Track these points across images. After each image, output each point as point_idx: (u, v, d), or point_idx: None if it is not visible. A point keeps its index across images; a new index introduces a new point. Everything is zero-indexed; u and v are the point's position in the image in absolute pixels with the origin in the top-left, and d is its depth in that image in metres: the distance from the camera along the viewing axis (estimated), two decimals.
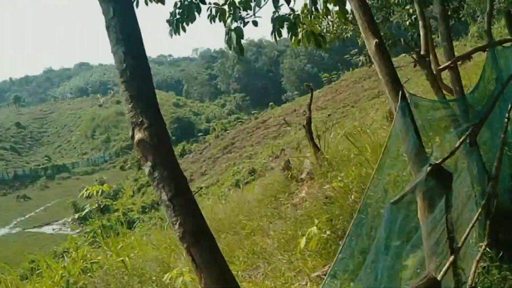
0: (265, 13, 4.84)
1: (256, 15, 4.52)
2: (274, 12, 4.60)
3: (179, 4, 5.14)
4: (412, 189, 2.49)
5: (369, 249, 2.38)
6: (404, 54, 38.66)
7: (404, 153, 3.19)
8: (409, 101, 3.01)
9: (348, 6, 5.08)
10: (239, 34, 4.35)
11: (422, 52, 4.58)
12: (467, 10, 24.29)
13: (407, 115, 2.93)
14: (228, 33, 4.43)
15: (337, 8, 5.14)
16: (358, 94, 43.92)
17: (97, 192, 9.41)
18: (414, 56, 4.44)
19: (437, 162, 2.74)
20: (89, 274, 6.47)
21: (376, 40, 2.94)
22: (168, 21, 5.25)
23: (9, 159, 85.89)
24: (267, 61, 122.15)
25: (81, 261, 6.86)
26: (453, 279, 2.94)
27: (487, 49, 5.38)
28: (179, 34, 5.27)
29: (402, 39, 7.59)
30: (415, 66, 4.86)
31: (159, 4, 5.03)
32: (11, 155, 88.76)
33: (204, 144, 61.13)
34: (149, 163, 2.06)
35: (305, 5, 5.67)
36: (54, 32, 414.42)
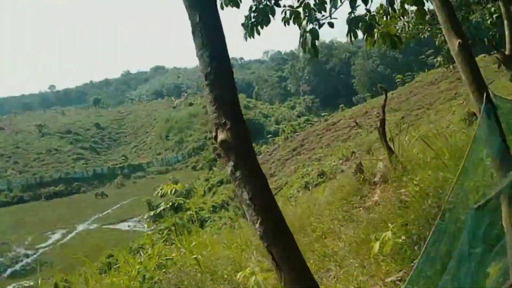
0: (339, 14, 4.80)
1: (331, 16, 4.49)
2: (349, 13, 4.55)
3: (254, 7, 5.22)
4: (497, 194, 2.38)
5: (449, 255, 2.30)
6: (483, 55, 36.79)
7: (487, 157, 3.04)
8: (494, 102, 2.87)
9: (427, 6, 4.95)
10: (314, 35, 4.33)
11: (507, 53, 4.34)
12: None
13: (492, 118, 2.80)
14: (303, 35, 4.42)
15: (414, 8, 4.99)
16: (433, 96, 42.25)
17: (171, 191, 9.67)
18: (499, 56, 4.22)
19: None
20: (163, 270, 6.61)
21: (460, 40, 2.83)
22: (243, 24, 5.33)
23: (89, 158, 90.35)
24: (338, 63, 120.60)
25: (157, 257, 7.03)
26: None
27: None
28: (253, 37, 5.33)
29: (486, 39, 7.21)
30: (499, 66, 4.63)
31: (234, 8, 5.13)
32: (90, 155, 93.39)
33: (273, 146, 61.33)
34: (231, 163, 2.11)
35: (381, 5, 5.56)
36: (132, 37, 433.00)
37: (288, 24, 5.03)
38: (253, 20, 5.23)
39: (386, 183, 7.96)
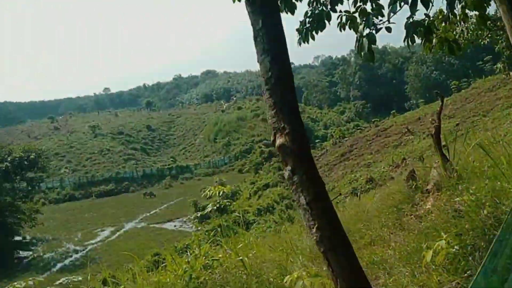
0: (395, 19, 4.72)
1: (390, 21, 4.42)
2: (408, 18, 4.47)
3: (309, 13, 5.22)
4: None
5: (510, 268, 2.21)
6: None
7: None
8: None
9: (488, 11, 4.78)
10: (371, 40, 4.29)
11: None
12: None
13: None
14: (359, 39, 4.39)
15: (475, 13, 4.84)
16: (490, 103, 40.60)
17: (219, 193, 9.75)
18: None
19: None
20: (209, 271, 6.64)
21: None
22: (297, 29, 5.34)
23: (139, 159, 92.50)
24: (391, 68, 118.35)
25: (203, 257, 7.08)
26: None
27: None
28: (307, 42, 5.33)
29: None
30: None
31: (288, 13, 5.14)
32: (140, 155, 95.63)
33: (321, 151, 60.79)
34: (288, 167, 2.11)
35: (441, 10, 5.43)
36: (184, 42, 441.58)
37: (344, 29, 5.00)
38: (308, 25, 5.23)
39: (439, 192, 7.72)
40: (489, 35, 10.58)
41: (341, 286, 1.96)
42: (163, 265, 7.91)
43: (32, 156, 50.23)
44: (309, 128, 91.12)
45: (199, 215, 36.68)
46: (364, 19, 4.62)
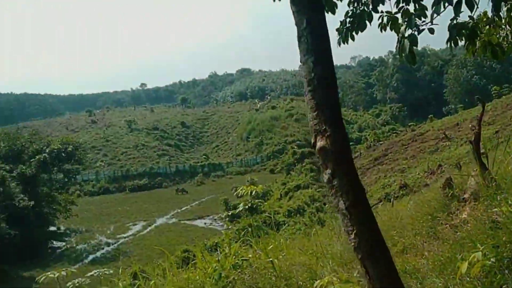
0: (437, 20, 4.60)
1: (433, 22, 4.31)
2: (452, 20, 4.35)
3: (350, 13, 5.15)
4: None
5: None
6: None
7: None
8: None
9: None
10: (413, 41, 4.18)
11: None
12: None
13: None
14: (400, 40, 4.29)
15: None
16: None
17: (251, 192, 9.70)
18: None
19: None
20: (239, 270, 6.63)
21: None
22: (337, 29, 5.27)
23: (173, 155, 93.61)
24: (430, 71, 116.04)
25: (233, 256, 7.07)
26: None
27: None
28: (347, 43, 5.26)
29: None
30: None
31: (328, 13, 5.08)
32: (174, 152, 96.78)
33: (355, 154, 60.14)
34: (328, 171, 2.06)
35: (485, 13, 5.26)
36: (220, 40, 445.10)
37: (385, 30, 4.91)
38: (348, 25, 5.16)
39: (477, 201, 7.50)
40: None
41: None
42: (193, 262, 7.94)
43: (69, 148, 51.46)
44: None
45: (230, 214, 36.83)
46: (406, 20, 4.51)
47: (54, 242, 43.03)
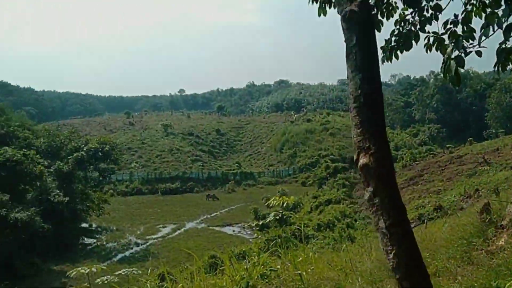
0: (485, 43, 4.53)
1: (480, 45, 4.25)
2: (500, 44, 4.26)
3: (396, 31, 5.13)
4: None
5: None
6: None
7: None
8: None
9: None
10: (460, 63, 4.13)
11: None
12: None
13: None
14: (446, 61, 4.23)
15: None
16: None
17: (282, 203, 9.68)
18: None
19: None
20: (266, 280, 6.61)
21: None
22: (382, 47, 5.26)
23: (206, 161, 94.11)
24: (472, 94, 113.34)
25: (261, 266, 7.05)
26: None
27: None
28: (391, 61, 5.24)
29: None
30: None
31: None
32: (207, 158, 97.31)
33: None
34: (370, 189, 2.04)
35: None
36: (260, 51, 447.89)
37: (430, 50, 4.86)
38: (394, 44, 5.14)
39: None
40: None
41: None
42: (220, 268, 7.95)
43: (106, 148, 52.66)
44: None
45: (260, 223, 36.74)
46: (454, 41, 4.45)
47: (85, 238, 43.85)
